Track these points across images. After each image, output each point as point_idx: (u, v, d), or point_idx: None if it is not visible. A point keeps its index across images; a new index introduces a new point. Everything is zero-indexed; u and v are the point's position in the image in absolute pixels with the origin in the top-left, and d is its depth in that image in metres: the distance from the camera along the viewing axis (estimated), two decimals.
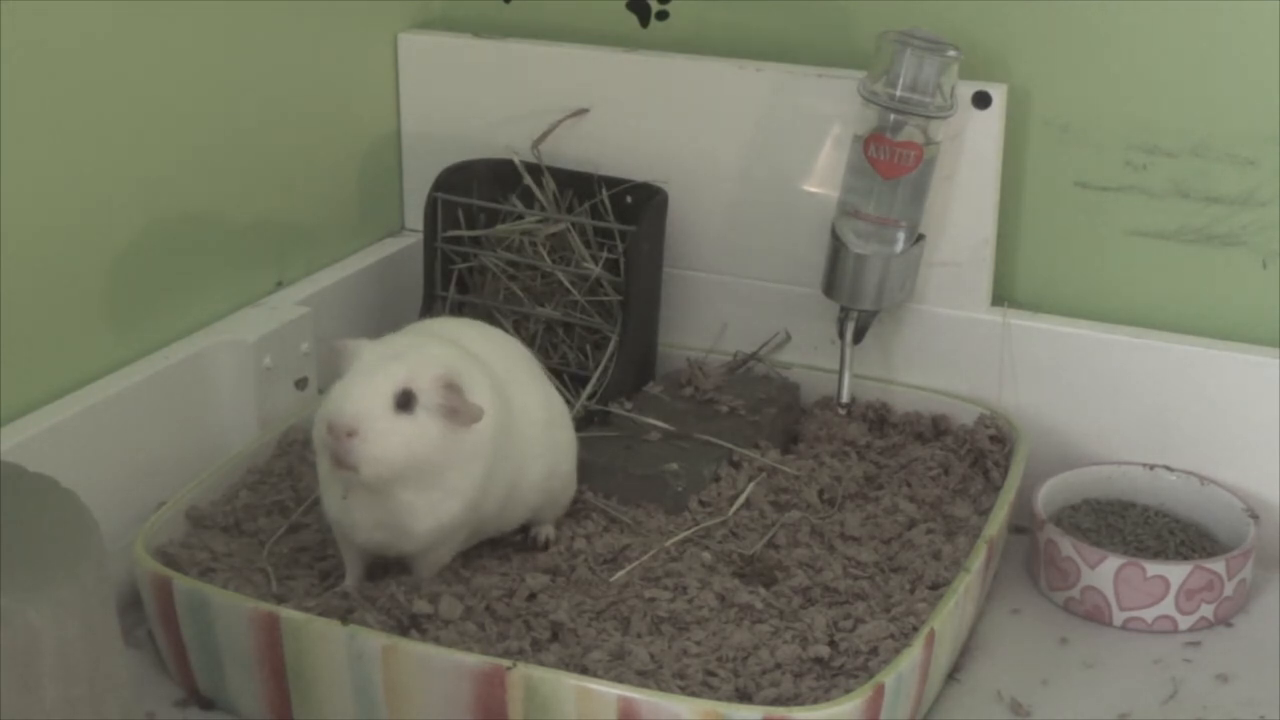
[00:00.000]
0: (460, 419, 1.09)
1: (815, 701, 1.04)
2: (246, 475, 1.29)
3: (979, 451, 1.35)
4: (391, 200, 1.59)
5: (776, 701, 1.04)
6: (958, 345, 1.42)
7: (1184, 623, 1.26)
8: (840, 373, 1.41)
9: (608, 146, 1.47)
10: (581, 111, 1.49)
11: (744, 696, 1.05)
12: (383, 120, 1.55)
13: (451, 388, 1.09)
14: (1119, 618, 1.26)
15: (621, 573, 1.19)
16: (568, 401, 1.33)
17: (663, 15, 1.51)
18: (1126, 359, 1.36)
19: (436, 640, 1.07)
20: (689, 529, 1.25)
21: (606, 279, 1.42)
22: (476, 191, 1.46)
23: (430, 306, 1.45)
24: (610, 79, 1.48)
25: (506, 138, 1.49)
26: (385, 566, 1.18)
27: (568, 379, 1.42)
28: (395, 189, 1.59)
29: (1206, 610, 1.26)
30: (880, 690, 1.02)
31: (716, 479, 1.31)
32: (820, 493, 1.30)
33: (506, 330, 1.40)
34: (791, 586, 1.18)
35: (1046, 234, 1.41)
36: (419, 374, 1.08)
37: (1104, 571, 1.25)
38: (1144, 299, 1.39)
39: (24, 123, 1.16)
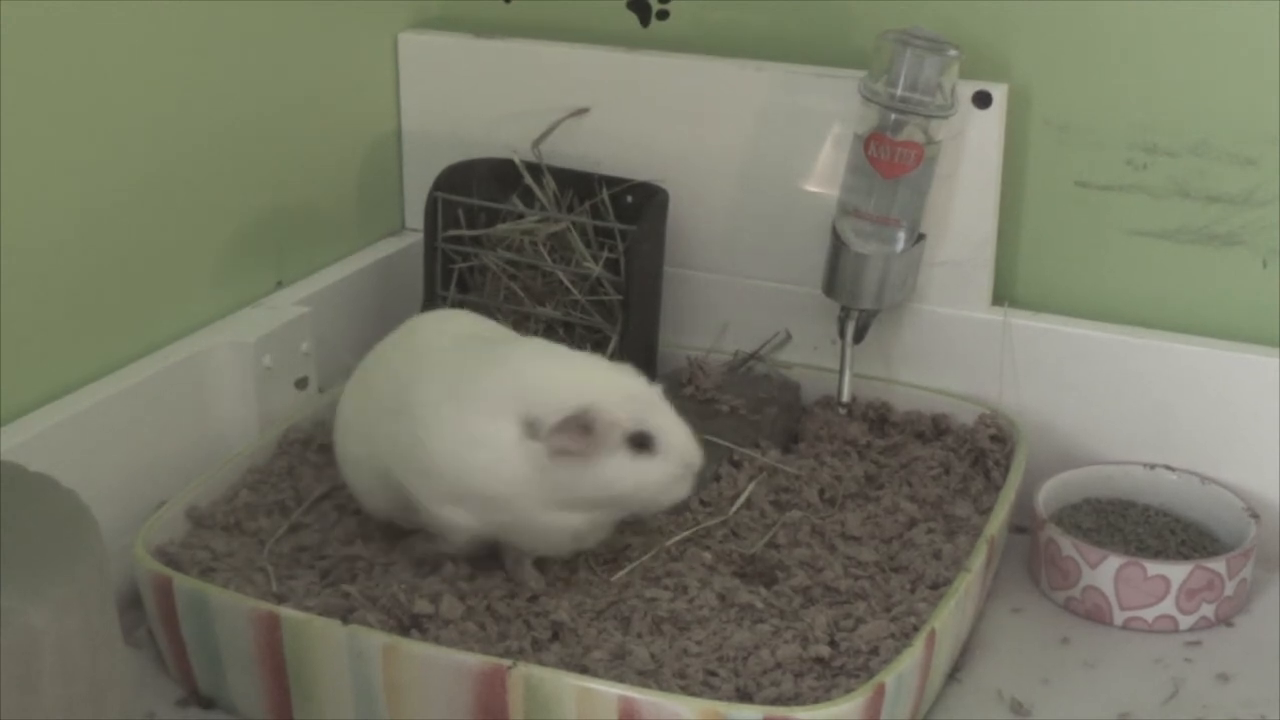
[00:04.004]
0: None
1: (816, 701, 1.04)
2: (246, 475, 1.29)
3: (979, 451, 1.35)
4: (391, 200, 1.59)
5: (777, 701, 1.04)
6: (958, 345, 1.42)
7: (1185, 622, 1.26)
8: (841, 372, 1.41)
9: (608, 146, 1.47)
10: (581, 111, 1.49)
11: (744, 696, 1.05)
12: (383, 120, 1.55)
13: None
14: (1119, 617, 1.26)
15: (622, 573, 1.19)
16: None
17: (663, 15, 1.51)
18: (1126, 359, 1.36)
19: (437, 640, 1.07)
20: (689, 529, 1.25)
21: (607, 279, 1.42)
22: (477, 191, 1.46)
23: (430, 306, 1.45)
24: (610, 79, 1.47)
25: (506, 137, 1.49)
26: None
27: None
28: (395, 189, 1.59)
29: (1207, 610, 1.26)
30: (881, 690, 1.02)
31: (717, 478, 1.31)
32: (821, 492, 1.30)
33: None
34: (792, 586, 1.18)
35: (1047, 234, 1.41)
36: None
37: (1104, 571, 1.25)
38: (1144, 299, 1.39)
39: (24, 122, 1.16)
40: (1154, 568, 1.25)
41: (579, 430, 1.08)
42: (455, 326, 1.23)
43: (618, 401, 1.09)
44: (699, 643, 1.10)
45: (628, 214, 1.42)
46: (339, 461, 1.23)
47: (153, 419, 1.27)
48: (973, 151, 1.37)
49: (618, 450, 1.09)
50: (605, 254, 1.42)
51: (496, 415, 1.09)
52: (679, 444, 1.10)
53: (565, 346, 1.19)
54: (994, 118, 1.36)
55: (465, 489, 1.10)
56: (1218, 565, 1.25)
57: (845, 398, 1.41)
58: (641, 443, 1.09)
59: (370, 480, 1.19)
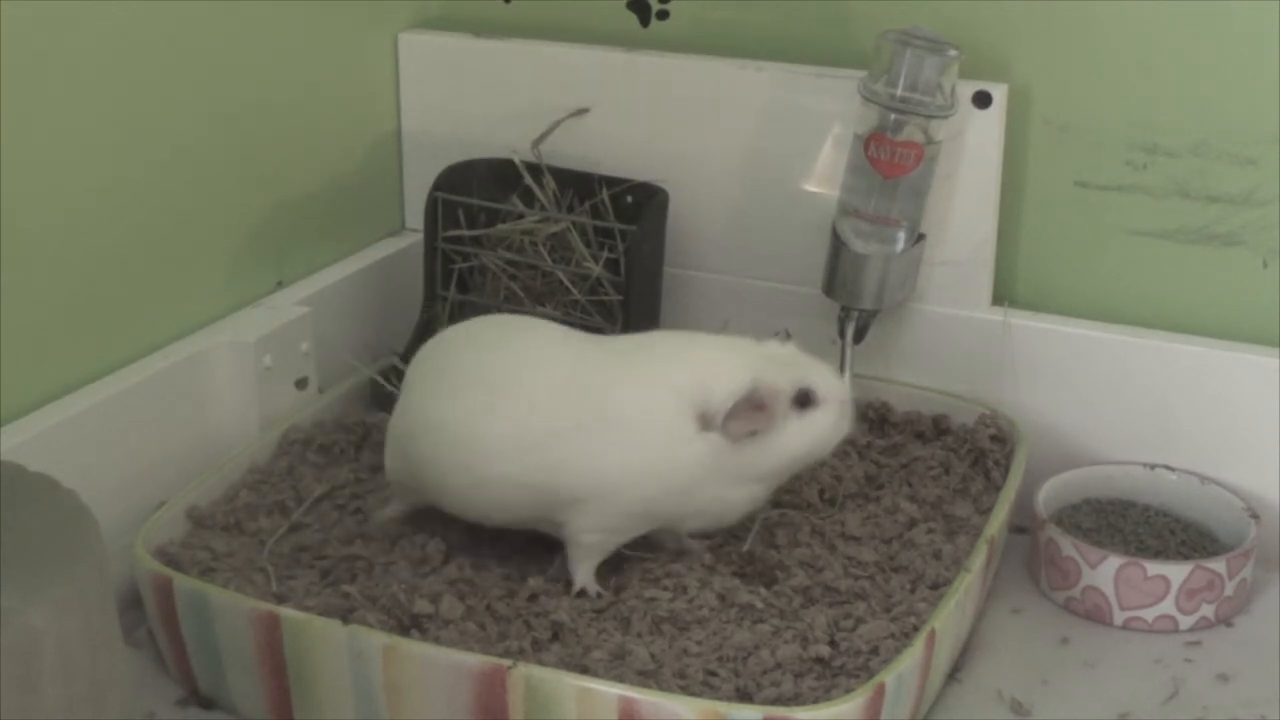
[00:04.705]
0: None
1: (815, 701, 1.04)
2: (246, 475, 1.29)
3: (979, 451, 1.35)
4: (391, 200, 1.59)
5: (777, 701, 1.04)
6: (958, 345, 1.41)
7: (1184, 622, 1.26)
8: (840, 372, 1.41)
9: (608, 146, 1.47)
10: (581, 111, 1.49)
11: (744, 696, 1.05)
12: (383, 120, 1.56)
13: None
14: (1119, 617, 1.26)
15: (622, 574, 1.19)
16: None
17: (663, 15, 1.51)
18: (1126, 359, 1.36)
19: (437, 640, 1.07)
20: None
21: (607, 279, 1.42)
22: (477, 191, 1.46)
23: (430, 306, 1.45)
24: (610, 79, 1.47)
25: (506, 138, 1.49)
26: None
27: None
28: (395, 189, 1.59)
29: (1207, 610, 1.26)
30: (881, 690, 1.02)
31: None
32: (821, 492, 1.30)
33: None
34: (792, 586, 1.18)
35: (1047, 234, 1.41)
36: None
37: (1104, 571, 1.25)
38: (1144, 299, 1.39)
39: (24, 122, 1.16)
40: (1154, 568, 1.25)
41: (752, 410, 1.12)
42: (547, 333, 1.20)
43: (772, 370, 1.13)
44: (699, 643, 1.10)
45: (628, 214, 1.42)
46: (459, 483, 1.15)
47: (153, 419, 1.27)
48: (973, 151, 1.37)
49: (790, 415, 1.13)
50: (605, 254, 1.42)
51: (678, 414, 1.12)
52: (833, 387, 1.14)
53: (690, 332, 1.21)
54: (994, 118, 1.36)
55: (664, 493, 1.13)
56: (1218, 565, 1.25)
57: None
58: (806, 400, 1.13)
59: (510, 494, 1.14)
